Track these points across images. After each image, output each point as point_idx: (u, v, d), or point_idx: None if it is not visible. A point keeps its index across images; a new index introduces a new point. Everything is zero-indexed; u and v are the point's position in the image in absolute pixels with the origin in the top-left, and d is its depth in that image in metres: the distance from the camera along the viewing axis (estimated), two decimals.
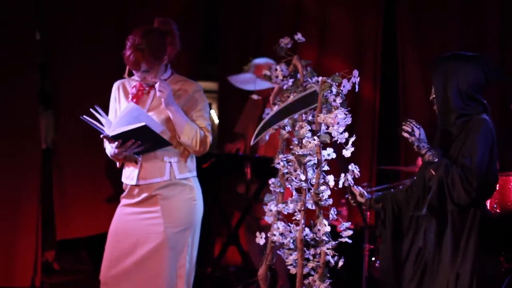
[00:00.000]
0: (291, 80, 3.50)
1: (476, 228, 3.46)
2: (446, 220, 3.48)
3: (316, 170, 3.39)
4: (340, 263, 3.39)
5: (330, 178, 3.37)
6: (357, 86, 3.35)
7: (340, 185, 3.41)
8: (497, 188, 4.17)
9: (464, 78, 3.55)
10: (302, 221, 3.39)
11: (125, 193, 4.12)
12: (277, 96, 3.56)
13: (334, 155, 3.40)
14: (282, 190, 3.51)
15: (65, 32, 6.43)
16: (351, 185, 3.53)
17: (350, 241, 3.38)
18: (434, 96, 3.64)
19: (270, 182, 3.51)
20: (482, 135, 3.45)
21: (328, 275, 3.38)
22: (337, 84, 3.35)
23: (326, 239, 3.38)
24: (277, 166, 3.50)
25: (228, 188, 7.07)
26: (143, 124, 3.82)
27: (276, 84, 3.53)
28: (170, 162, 4.01)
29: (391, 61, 6.91)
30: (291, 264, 3.45)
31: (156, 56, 3.95)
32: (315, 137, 3.36)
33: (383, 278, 3.71)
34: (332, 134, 3.33)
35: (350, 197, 3.76)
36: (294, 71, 3.51)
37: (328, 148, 3.38)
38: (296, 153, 3.41)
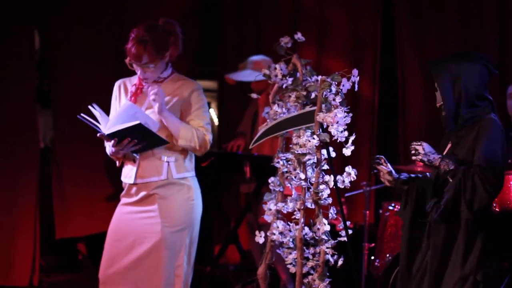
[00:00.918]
0: (290, 79, 3.50)
1: (483, 230, 3.46)
2: (457, 227, 3.46)
3: (315, 169, 3.39)
4: (340, 262, 3.39)
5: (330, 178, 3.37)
6: (356, 85, 3.35)
7: (341, 186, 3.41)
8: None
9: (471, 77, 3.51)
10: (302, 220, 3.39)
11: (124, 191, 4.12)
12: (276, 95, 3.57)
13: (334, 154, 3.40)
14: (281, 189, 3.51)
15: (64, 32, 6.42)
16: (381, 162, 3.53)
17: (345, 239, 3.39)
18: (441, 103, 3.55)
19: (269, 181, 3.51)
20: (493, 136, 3.43)
21: (328, 274, 3.39)
22: (336, 83, 3.35)
23: (326, 238, 3.38)
24: (277, 165, 3.50)
25: (228, 187, 7.07)
26: (137, 122, 3.82)
27: (276, 83, 3.53)
28: (168, 162, 4.01)
29: (390, 60, 6.91)
30: (290, 263, 3.45)
31: (158, 50, 3.95)
32: (315, 136, 3.36)
33: (400, 263, 3.69)
34: (332, 133, 3.33)
35: (375, 173, 3.71)
36: (294, 70, 3.51)
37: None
38: (296, 152, 3.41)
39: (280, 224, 3.45)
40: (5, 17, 6.16)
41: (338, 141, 3.35)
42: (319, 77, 3.40)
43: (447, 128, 3.57)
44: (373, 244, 5.57)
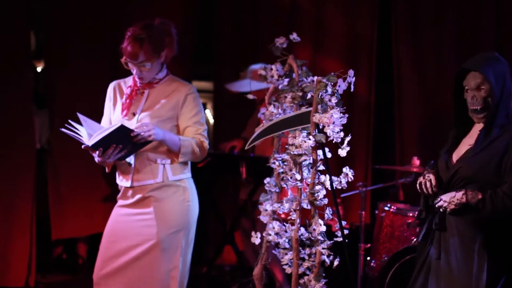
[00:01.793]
0: (286, 80, 3.50)
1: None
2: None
3: (311, 170, 3.39)
4: (336, 263, 3.39)
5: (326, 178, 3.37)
6: (352, 86, 3.35)
7: (338, 187, 3.41)
8: None
9: (510, 81, 3.50)
10: (298, 221, 3.39)
11: (120, 193, 4.12)
12: (272, 95, 3.57)
13: (329, 155, 3.40)
14: (277, 190, 3.51)
15: (61, 33, 6.42)
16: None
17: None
18: (481, 105, 3.48)
19: (265, 181, 3.51)
20: None
21: (324, 274, 3.39)
22: (332, 83, 3.35)
23: (322, 238, 3.38)
24: (273, 165, 3.50)
25: (224, 188, 7.07)
26: (119, 125, 3.79)
27: (272, 83, 3.53)
28: (164, 164, 4.01)
29: (386, 61, 6.92)
30: (286, 264, 3.45)
31: (154, 49, 3.94)
32: (311, 137, 3.36)
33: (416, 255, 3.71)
34: (328, 134, 3.33)
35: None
36: (290, 71, 3.51)
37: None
38: (292, 152, 3.41)
39: (276, 224, 3.45)
40: (1, 19, 6.15)
41: (334, 141, 3.35)
42: (315, 78, 3.40)
43: (487, 128, 3.48)
44: (369, 245, 5.57)
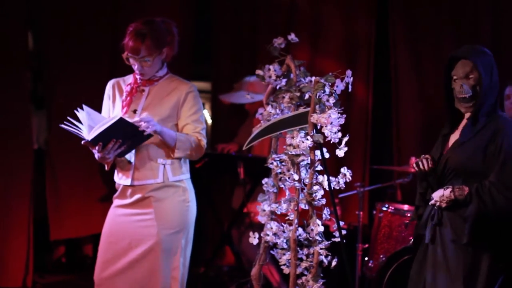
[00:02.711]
0: (284, 80, 3.51)
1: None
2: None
3: (309, 170, 3.39)
4: (334, 263, 3.40)
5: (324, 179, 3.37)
6: (350, 86, 3.36)
7: (336, 187, 3.41)
8: None
9: (497, 72, 3.53)
10: (296, 221, 3.39)
11: (117, 193, 4.11)
12: (270, 96, 3.57)
13: (327, 155, 3.41)
14: (275, 190, 3.51)
15: (58, 33, 6.41)
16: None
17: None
18: (469, 94, 3.49)
19: (263, 182, 3.51)
20: (510, 143, 3.45)
21: (321, 274, 3.39)
22: (330, 84, 3.35)
23: (320, 239, 3.38)
24: (270, 166, 3.50)
25: (221, 188, 7.07)
26: (118, 118, 3.77)
27: (270, 84, 3.53)
28: (164, 164, 4.00)
29: (384, 61, 6.92)
30: (284, 264, 3.45)
31: (156, 44, 3.94)
32: (308, 137, 3.36)
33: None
34: (326, 134, 3.33)
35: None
36: (287, 71, 3.51)
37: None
38: (290, 153, 3.41)
39: (274, 225, 3.45)
40: None
41: (331, 142, 3.35)
42: (313, 78, 3.40)
43: (473, 117, 3.50)
44: (366, 245, 5.57)
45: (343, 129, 3.38)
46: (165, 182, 4.00)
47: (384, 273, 5.10)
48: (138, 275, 3.96)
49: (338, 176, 3.42)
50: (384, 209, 5.44)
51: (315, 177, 3.38)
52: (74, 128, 3.84)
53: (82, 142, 3.87)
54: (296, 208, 3.40)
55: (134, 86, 4.06)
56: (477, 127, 3.49)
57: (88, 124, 3.83)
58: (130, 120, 3.82)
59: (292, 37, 3.47)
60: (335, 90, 3.35)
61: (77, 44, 6.42)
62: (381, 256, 5.36)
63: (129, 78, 4.12)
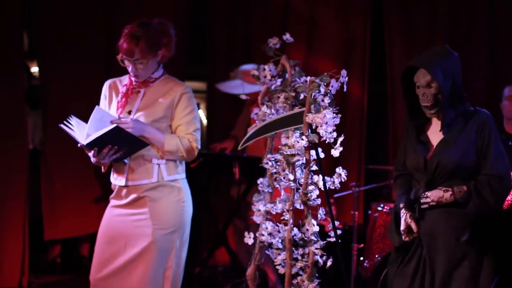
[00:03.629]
0: (279, 80, 3.50)
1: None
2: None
3: (304, 170, 3.39)
4: (329, 263, 3.39)
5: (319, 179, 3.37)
6: (345, 86, 3.36)
7: (332, 187, 3.41)
8: None
9: (458, 72, 3.56)
10: (291, 221, 3.39)
11: (113, 193, 4.11)
12: (265, 96, 3.57)
13: (322, 155, 3.40)
14: (270, 190, 3.51)
15: (54, 33, 6.41)
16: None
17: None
18: (431, 102, 3.53)
19: (258, 182, 3.51)
20: (497, 135, 3.52)
21: (317, 274, 3.39)
22: (325, 84, 3.35)
23: (315, 239, 3.38)
24: (265, 166, 3.50)
25: (217, 188, 7.07)
26: (114, 126, 3.78)
27: (265, 84, 3.53)
28: (159, 164, 4.00)
29: (379, 61, 6.93)
30: (279, 264, 3.45)
31: (150, 47, 3.93)
32: (303, 137, 3.36)
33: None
34: (321, 134, 3.33)
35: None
36: (283, 71, 3.51)
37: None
38: (285, 153, 3.41)
39: (269, 225, 3.45)
40: None
41: (327, 142, 3.35)
42: (308, 78, 3.40)
43: (445, 124, 3.54)
44: (362, 245, 5.58)
45: (338, 129, 3.38)
46: (160, 182, 4.00)
47: (380, 272, 5.11)
48: (131, 274, 3.96)
49: (333, 176, 3.41)
50: (380, 209, 5.45)
51: (310, 177, 3.38)
52: (72, 130, 3.85)
53: (78, 145, 3.88)
54: (291, 208, 3.40)
55: (130, 87, 4.06)
56: (457, 128, 3.54)
57: (80, 131, 3.84)
58: (126, 130, 3.82)
59: (287, 37, 3.46)
60: (330, 90, 3.35)
61: (72, 44, 6.42)
62: (377, 256, 5.37)
63: (125, 79, 4.12)
